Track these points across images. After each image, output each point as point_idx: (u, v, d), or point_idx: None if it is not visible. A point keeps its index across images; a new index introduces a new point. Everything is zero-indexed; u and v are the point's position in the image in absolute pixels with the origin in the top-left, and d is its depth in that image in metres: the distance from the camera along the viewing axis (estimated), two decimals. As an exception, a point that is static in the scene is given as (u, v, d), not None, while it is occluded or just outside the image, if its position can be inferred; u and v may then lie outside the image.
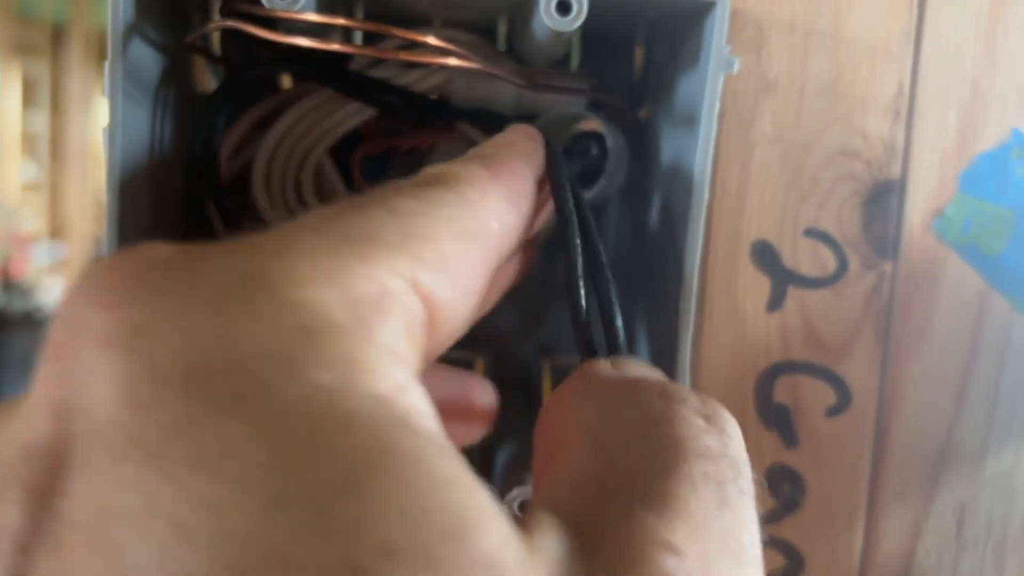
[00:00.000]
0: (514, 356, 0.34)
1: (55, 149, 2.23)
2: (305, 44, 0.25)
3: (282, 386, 0.10)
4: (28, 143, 2.22)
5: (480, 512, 0.10)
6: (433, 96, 0.29)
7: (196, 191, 0.29)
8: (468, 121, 0.30)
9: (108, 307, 0.11)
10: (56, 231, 2.21)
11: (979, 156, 0.33)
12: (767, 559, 0.34)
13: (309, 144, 0.30)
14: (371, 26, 0.25)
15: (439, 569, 0.09)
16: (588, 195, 0.28)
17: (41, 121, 2.23)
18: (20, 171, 2.17)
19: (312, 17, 0.24)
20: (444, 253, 0.14)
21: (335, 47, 0.25)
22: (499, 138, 0.20)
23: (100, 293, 0.12)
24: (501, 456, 0.32)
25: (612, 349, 0.19)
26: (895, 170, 0.33)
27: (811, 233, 0.33)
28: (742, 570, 0.12)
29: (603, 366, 0.17)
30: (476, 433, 0.24)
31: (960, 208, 0.33)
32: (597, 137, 0.28)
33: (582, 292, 0.20)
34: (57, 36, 2.20)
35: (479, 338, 0.24)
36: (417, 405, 0.12)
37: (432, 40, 0.25)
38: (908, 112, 0.33)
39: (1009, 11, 0.33)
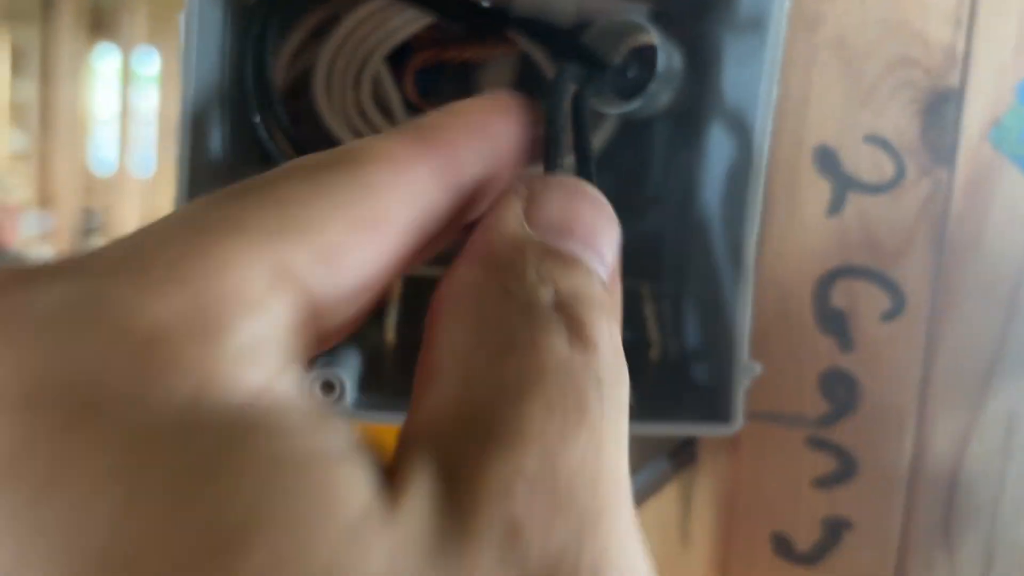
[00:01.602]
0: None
1: (44, 118, 2.20)
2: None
3: (127, 402, 0.10)
4: (17, 112, 2.19)
5: (339, 486, 0.11)
6: (489, 2, 0.29)
7: (245, 103, 0.29)
8: (521, 30, 0.29)
9: None
10: (44, 201, 2.18)
11: (1038, 65, 0.34)
12: (818, 462, 0.34)
13: (367, 52, 0.30)
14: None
15: (297, 544, 0.10)
16: (633, 107, 0.28)
17: (30, 90, 2.20)
18: (8, 140, 2.14)
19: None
20: (329, 243, 0.13)
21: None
22: (451, 106, 0.18)
23: None
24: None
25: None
26: (954, 78, 0.33)
27: (871, 139, 0.33)
28: (596, 493, 0.12)
29: (510, 222, 0.15)
30: None
31: (1017, 118, 0.34)
32: (650, 51, 0.28)
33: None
34: (48, 3, 2.16)
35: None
36: (282, 400, 0.11)
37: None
38: (969, 20, 0.33)
39: (1069, -76, 0.33)
